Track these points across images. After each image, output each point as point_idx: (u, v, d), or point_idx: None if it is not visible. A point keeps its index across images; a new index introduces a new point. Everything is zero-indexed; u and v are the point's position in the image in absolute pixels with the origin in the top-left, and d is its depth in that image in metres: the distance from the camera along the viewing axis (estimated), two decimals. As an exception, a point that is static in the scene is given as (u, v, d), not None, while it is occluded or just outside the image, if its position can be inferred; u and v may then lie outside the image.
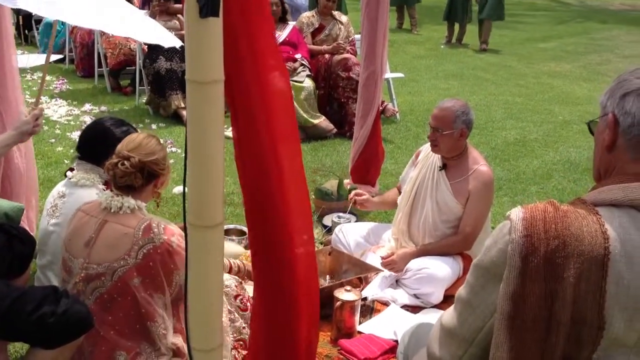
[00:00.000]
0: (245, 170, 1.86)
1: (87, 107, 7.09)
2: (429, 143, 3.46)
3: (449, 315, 1.57)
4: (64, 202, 2.92)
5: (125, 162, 2.46)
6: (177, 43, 3.30)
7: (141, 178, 2.47)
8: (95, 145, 2.73)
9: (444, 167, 3.47)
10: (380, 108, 5.00)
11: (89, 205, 2.55)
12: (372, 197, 3.91)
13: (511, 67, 10.63)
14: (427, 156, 3.57)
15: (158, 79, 6.83)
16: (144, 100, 7.21)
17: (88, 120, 6.60)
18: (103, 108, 7.09)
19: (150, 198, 2.59)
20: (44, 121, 3.47)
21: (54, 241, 2.89)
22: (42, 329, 2.13)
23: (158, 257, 2.38)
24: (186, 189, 1.61)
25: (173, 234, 2.43)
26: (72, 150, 5.63)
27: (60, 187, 3.02)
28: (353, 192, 3.87)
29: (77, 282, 2.42)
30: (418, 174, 3.57)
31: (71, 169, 3.03)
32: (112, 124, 2.97)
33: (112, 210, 2.45)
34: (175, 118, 6.75)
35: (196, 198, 1.59)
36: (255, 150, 1.85)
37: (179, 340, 2.45)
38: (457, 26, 12.09)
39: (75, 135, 6.04)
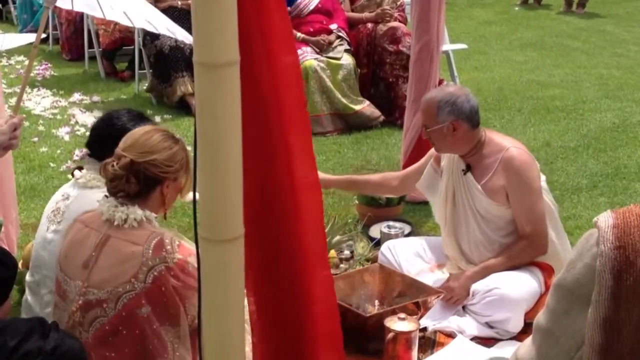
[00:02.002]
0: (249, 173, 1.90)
1: (77, 97, 7.26)
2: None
3: (526, 349, 1.58)
4: (67, 206, 3.03)
5: (115, 163, 2.53)
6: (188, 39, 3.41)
7: (136, 183, 2.53)
8: (108, 141, 2.79)
9: (468, 169, 3.50)
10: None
11: (88, 216, 2.62)
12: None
13: (606, 32, 10.51)
14: (450, 160, 3.61)
15: (161, 59, 6.95)
16: (145, 87, 7.34)
17: (77, 113, 6.76)
18: (95, 98, 7.25)
19: (160, 209, 2.65)
20: (24, 116, 3.57)
21: (52, 252, 2.98)
22: None
23: (171, 280, 2.44)
24: (197, 194, 1.66)
25: (190, 253, 2.48)
26: (58, 151, 5.78)
27: (65, 189, 3.15)
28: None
29: (74, 311, 2.50)
30: (447, 185, 3.61)
31: (79, 168, 3.14)
32: (128, 118, 3.05)
33: (115, 223, 2.52)
34: (184, 107, 6.86)
35: (209, 206, 1.63)
36: (264, 144, 1.90)
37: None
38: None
39: (63, 132, 6.20)
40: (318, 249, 2.10)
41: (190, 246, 2.52)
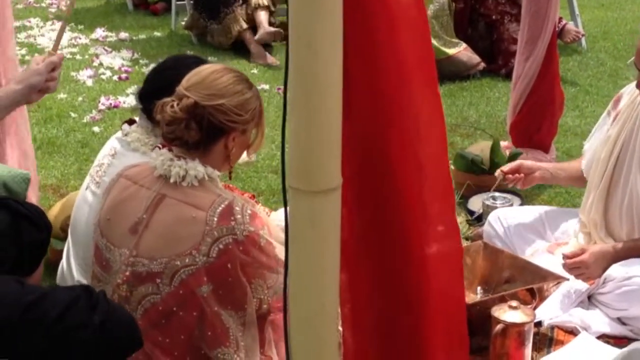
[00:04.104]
0: (352, 115, 1.95)
1: (100, 33, 7.44)
2: (636, 86, 3.48)
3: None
4: (110, 164, 3.15)
5: (175, 104, 2.60)
6: None
7: (197, 131, 2.60)
8: (163, 94, 2.80)
9: None
10: (557, 29, 5.01)
11: (136, 170, 2.72)
12: (537, 173, 3.91)
13: None
14: (634, 104, 3.60)
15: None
16: (184, 23, 7.47)
17: (101, 53, 6.92)
18: (123, 35, 7.42)
19: (224, 166, 2.73)
20: (63, 54, 3.70)
21: (88, 220, 3.12)
22: (69, 346, 2.29)
23: (240, 256, 2.53)
24: (286, 137, 1.74)
25: (263, 224, 2.56)
26: (80, 99, 5.95)
27: (113, 141, 3.27)
28: (507, 167, 3.87)
29: (120, 284, 2.61)
30: (619, 133, 3.60)
31: (130, 121, 3.26)
32: (192, 64, 3.05)
33: (171, 180, 2.60)
34: (235, 48, 6.95)
35: (302, 150, 1.71)
36: (373, 86, 1.96)
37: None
38: None
39: (84, 75, 6.37)
40: (439, 213, 2.13)
41: (263, 216, 2.61)
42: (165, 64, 3.32)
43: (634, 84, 3.50)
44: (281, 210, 3.56)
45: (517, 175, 3.82)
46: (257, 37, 6.84)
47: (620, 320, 3.44)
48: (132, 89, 5.74)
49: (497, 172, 3.85)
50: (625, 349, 2.25)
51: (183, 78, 2.78)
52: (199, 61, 3.18)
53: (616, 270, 3.42)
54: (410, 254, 2.07)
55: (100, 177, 3.18)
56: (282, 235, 2.70)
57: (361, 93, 1.91)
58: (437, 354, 2.21)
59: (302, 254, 1.77)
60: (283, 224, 3.30)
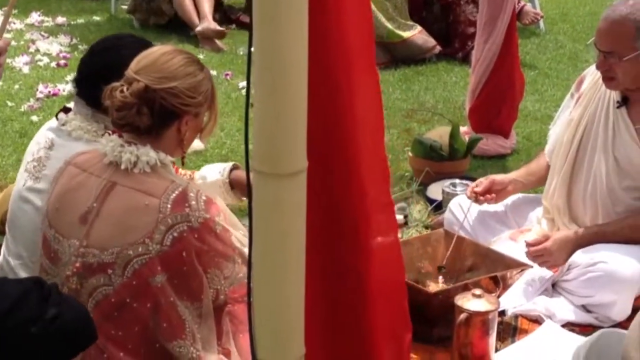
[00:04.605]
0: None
1: (35, 17, 7.40)
2: (596, 68, 3.55)
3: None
4: (49, 157, 3.11)
5: (125, 88, 2.60)
6: None
7: (149, 116, 2.60)
8: (103, 77, 2.79)
9: (624, 102, 3.55)
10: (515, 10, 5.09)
11: (85, 157, 2.71)
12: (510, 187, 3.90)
13: None
14: (597, 85, 3.66)
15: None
16: (126, 6, 7.44)
17: (38, 39, 6.87)
18: (60, 19, 7.38)
19: (176, 151, 2.75)
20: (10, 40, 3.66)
21: (30, 218, 3.09)
22: (20, 341, 2.28)
23: (195, 244, 2.54)
24: (250, 117, 1.76)
25: (219, 211, 2.58)
26: (17, 87, 5.92)
27: (47, 132, 3.21)
28: (470, 189, 3.87)
29: (69, 276, 2.61)
30: (582, 115, 3.66)
31: (66, 110, 3.22)
32: (136, 46, 3.03)
33: (122, 167, 2.60)
34: (178, 33, 6.94)
35: (267, 131, 1.73)
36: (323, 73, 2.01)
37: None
38: None
39: (20, 62, 6.33)
40: (380, 199, 2.21)
41: (219, 203, 2.63)
42: (102, 45, 3.26)
43: (594, 65, 3.56)
44: (206, 167, 3.58)
45: (488, 196, 3.83)
46: (199, 28, 6.86)
47: (585, 308, 3.51)
48: (72, 76, 5.71)
49: (469, 193, 3.85)
50: (595, 334, 2.31)
51: (123, 60, 2.77)
52: (138, 41, 3.17)
53: (580, 257, 3.49)
54: (356, 241, 2.16)
55: (40, 172, 3.13)
56: (238, 222, 2.74)
57: (315, 79, 1.91)
58: (381, 338, 2.30)
59: (267, 239, 1.79)
60: (208, 179, 3.38)
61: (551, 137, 3.89)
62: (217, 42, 6.85)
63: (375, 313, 2.26)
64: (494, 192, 3.83)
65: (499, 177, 3.92)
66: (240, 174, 3.41)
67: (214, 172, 3.44)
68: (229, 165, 3.47)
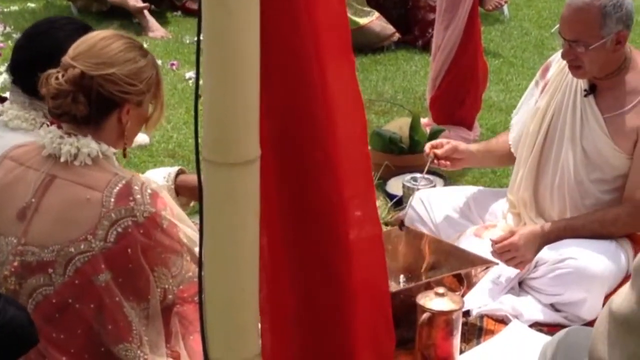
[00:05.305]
0: (272, 86, 2.00)
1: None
2: (561, 57, 3.59)
3: (623, 297, 1.74)
4: None
5: (60, 75, 2.60)
6: None
7: (86, 104, 2.60)
8: (38, 62, 2.81)
9: (591, 90, 3.60)
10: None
11: (22, 150, 2.71)
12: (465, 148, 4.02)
13: None
14: (563, 73, 3.70)
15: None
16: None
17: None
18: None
19: (119, 142, 2.74)
20: None
21: None
22: None
23: (141, 240, 2.55)
24: (200, 103, 1.79)
25: (165, 204, 2.59)
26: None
27: None
28: (429, 145, 3.97)
29: (7, 276, 2.60)
30: (549, 104, 3.71)
31: (1, 99, 3.22)
32: (72, 29, 3.06)
33: (62, 160, 2.60)
34: (121, 19, 6.94)
35: (217, 119, 1.75)
36: (293, 54, 2.02)
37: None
38: None
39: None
40: (360, 193, 2.21)
41: (164, 196, 2.64)
42: (37, 29, 3.27)
43: (561, 52, 3.60)
44: (150, 172, 3.59)
45: (443, 161, 3.91)
46: None
47: (554, 307, 3.56)
48: (6, 66, 5.69)
49: (428, 149, 3.90)
50: (562, 331, 2.36)
51: (60, 43, 2.80)
52: (76, 23, 3.19)
53: (548, 253, 3.54)
54: (331, 236, 2.14)
55: None
56: (186, 217, 2.75)
57: (281, 62, 1.96)
58: (361, 342, 2.28)
59: (218, 231, 1.81)
60: (159, 182, 3.38)
61: (514, 125, 3.93)
62: (162, 29, 6.87)
63: (355, 310, 2.24)
64: (451, 160, 3.91)
65: (462, 145, 3.99)
66: (186, 178, 3.45)
67: (159, 177, 3.45)
68: (174, 170, 3.48)
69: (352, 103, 2.16)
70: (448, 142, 3.95)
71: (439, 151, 3.89)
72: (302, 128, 2.04)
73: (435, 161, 3.90)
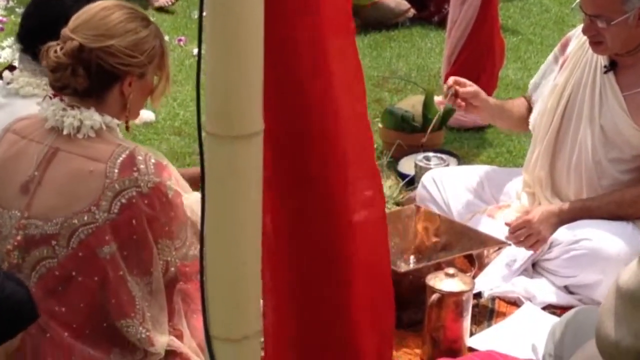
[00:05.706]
0: (276, 64, 2.04)
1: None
2: (582, 32, 3.60)
3: (630, 273, 1.77)
4: None
5: (59, 48, 2.64)
6: None
7: (85, 77, 2.64)
8: (46, 29, 2.86)
9: (612, 67, 3.61)
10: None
11: (25, 123, 2.76)
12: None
13: None
14: (583, 49, 3.71)
15: None
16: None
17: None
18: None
19: (122, 115, 2.78)
20: None
21: None
22: None
23: (146, 211, 2.59)
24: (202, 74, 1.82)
25: (169, 174, 2.63)
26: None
27: None
28: (453, 78, 3.92)
29: (10, 250, 2.64)
30: (567, 81, 3.73)
31: (11, 67, 3.27)
32: None
33: (64, 132, 2.65)
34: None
35: (221, 91, 1.79)
36: (297, 32, 2.05)
37: (174, 343, 2.70)
38: None
39: None
40: (364, 171, 2.25)
41: (169, 166, 2.68)
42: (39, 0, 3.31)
43: (581, 27, 3.61)
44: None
45: (460, 100, 3.86)
46: None
47: (568, 289, 3.59)
48: (9, 41, 5.74)
49: (451, 82, 3.87)
50: (571, 310, 2.40)
51: (67, 10, 2.83)
52: None
53: (563, 234, 3.56)
54: (334, 215, 2.18)
55: None
56: (190, 187, 2.79)
57: (285, 39, 2.00)
58: (362, 323, 2.32)
59: (220, 205, 1.83)
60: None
61: (535, 103, 3.92)
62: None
63: (356, 288, 2.28)
64: (467, 104, 3.88)
65: (483, 94, 3.95)
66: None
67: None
68: None
69: (352, 76, 2.19)
70: (472, 84, 3.93)
71: (462, 89, 3.87)
72: (306, 108, 2.09)
73: (454, 98, 3.86)
